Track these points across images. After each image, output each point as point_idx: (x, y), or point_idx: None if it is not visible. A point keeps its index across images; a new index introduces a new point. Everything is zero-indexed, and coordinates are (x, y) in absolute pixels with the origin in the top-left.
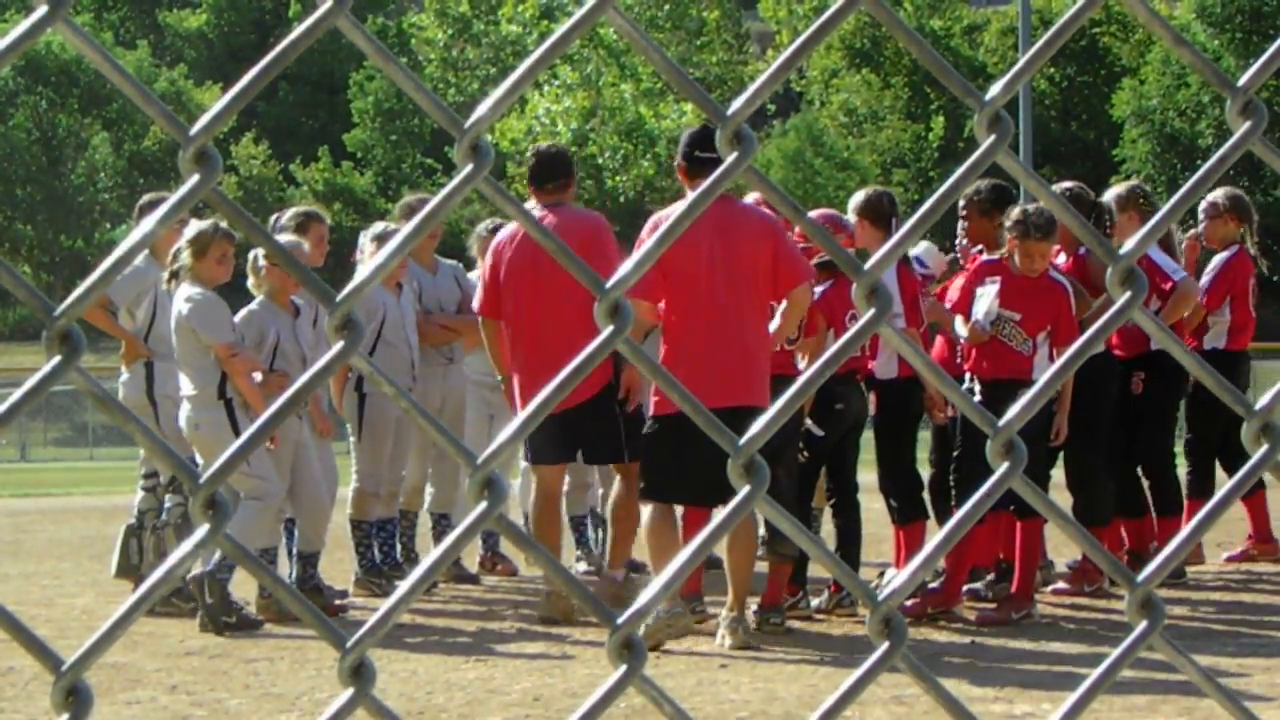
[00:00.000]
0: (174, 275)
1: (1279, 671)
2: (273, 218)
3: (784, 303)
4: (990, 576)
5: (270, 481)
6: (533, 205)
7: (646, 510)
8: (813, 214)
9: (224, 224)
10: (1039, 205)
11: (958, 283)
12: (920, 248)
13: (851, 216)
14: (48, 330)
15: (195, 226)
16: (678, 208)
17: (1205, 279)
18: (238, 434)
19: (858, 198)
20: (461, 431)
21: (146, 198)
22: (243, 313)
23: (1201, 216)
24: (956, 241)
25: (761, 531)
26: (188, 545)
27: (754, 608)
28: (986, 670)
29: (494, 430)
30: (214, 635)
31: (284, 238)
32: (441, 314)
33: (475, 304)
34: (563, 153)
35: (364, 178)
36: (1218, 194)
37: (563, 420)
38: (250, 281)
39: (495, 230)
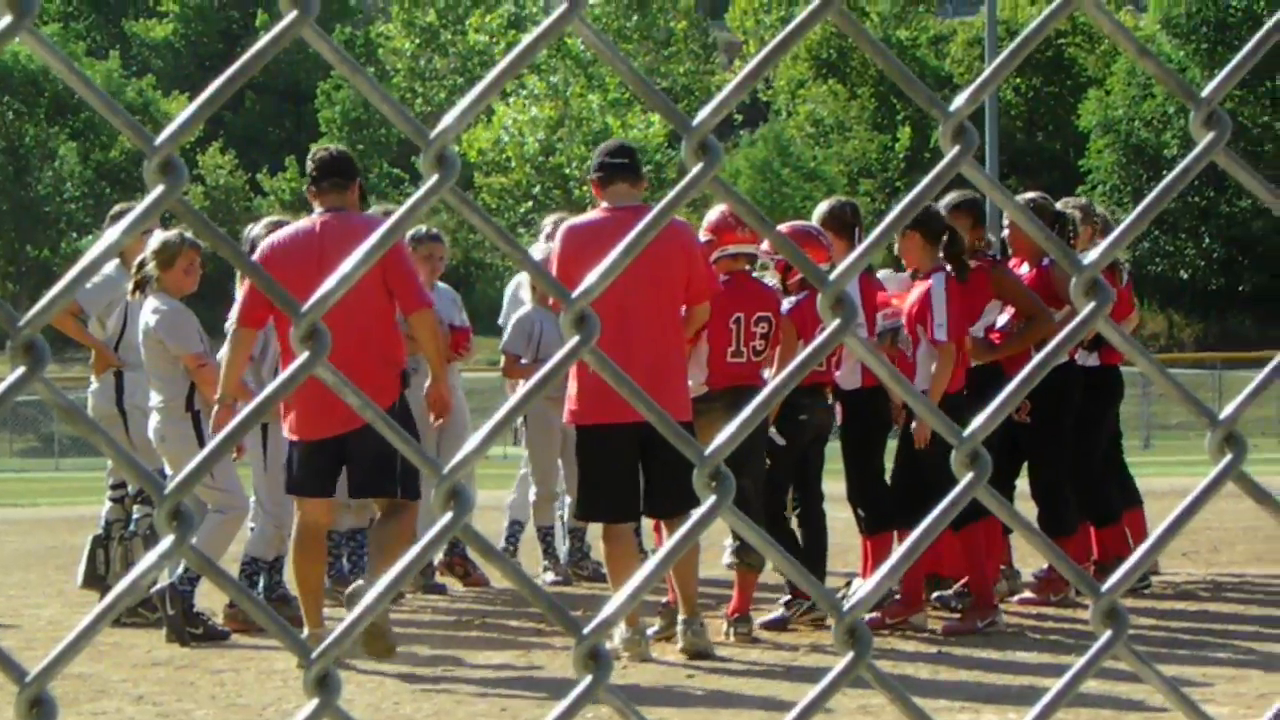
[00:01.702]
0: (139, 286)
1: (1243, 681)
2: (246, 230)
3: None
4: (959, 585)
5: (236, 494)
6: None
7: (602, 530)
8: (786, 226)
9: (190, 234)
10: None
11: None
12: (882, 275)
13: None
14: (12, 340)
15: (160, 236)
16: (589, 218)
17: None
18: (203, 446)
19: (821, 208)
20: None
21: (117, 208)
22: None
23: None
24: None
25: (730, 540)
26: (152, 556)
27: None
28: (952, 680)
29: (442, 441)
30: (179, 646)
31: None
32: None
33: (234, 311)
34: (343, 154)
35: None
36: (1071, 206)
37: (332, 448)
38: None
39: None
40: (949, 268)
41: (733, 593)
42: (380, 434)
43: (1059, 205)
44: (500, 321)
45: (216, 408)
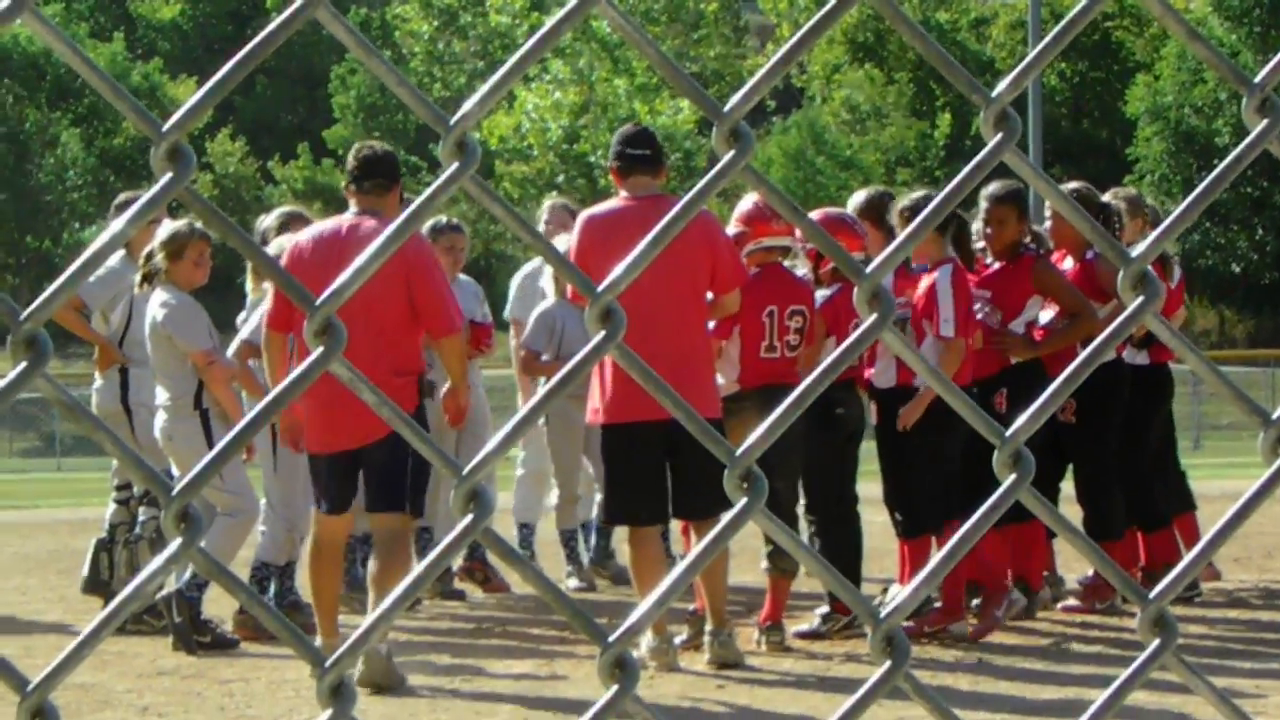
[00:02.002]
0: (147, 278)
1: None
2: (257, 221)
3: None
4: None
5: (246, 497)
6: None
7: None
8: (819, 213)
9: (200, 224)
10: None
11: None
12: None
13: None
14: (13, 335)
15: (169, 227)
16: (608, 207)
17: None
18: (212, 446)
19: (858, 198)
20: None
21: (122, 196)
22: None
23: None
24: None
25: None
26: (159, 560)
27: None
28: (993, 691)
29: (462, 441)
30: (186, 655)
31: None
32: None
33: (265, 316)
34: (389, 155)
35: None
36: (1119, 197)
37: (349, 461)
38: (250, 284)
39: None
40: (957, 259)
41: (765, 599)
42: (391, 448)
43: (1106, 196)
44: (506, 315)
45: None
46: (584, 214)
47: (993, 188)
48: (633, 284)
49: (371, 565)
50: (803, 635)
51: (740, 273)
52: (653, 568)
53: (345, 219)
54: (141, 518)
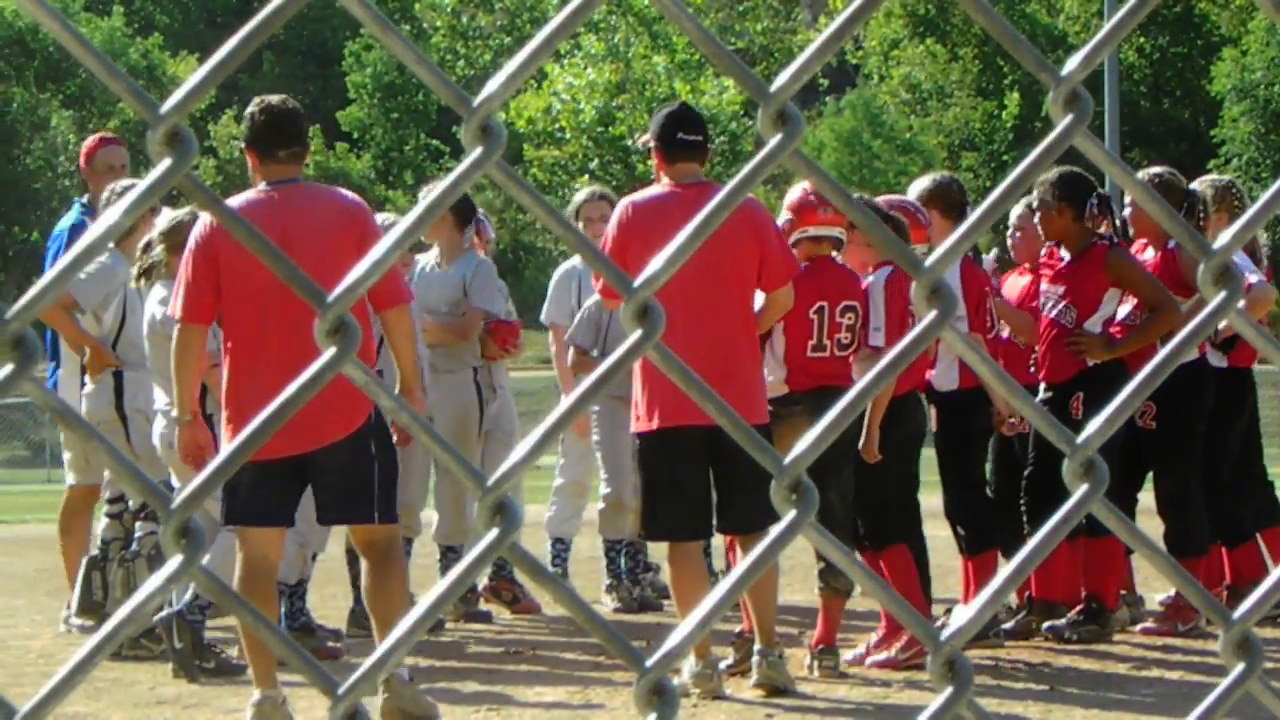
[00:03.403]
0: (145, 272)
1: None
2: None
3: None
4: (1073, 613)
5: None
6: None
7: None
8: (881, 200)
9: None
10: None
11: (1012, 281)
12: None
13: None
14: None
15: (171, 216)
16: (650, 194)
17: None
18: (216, 454)
19: (923, 184)
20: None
21: (119, 184)
22: None
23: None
24: (1009, 234)
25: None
26: (157, 579)
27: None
28: None
29: (487, 449)
30: (188, 683)
31: None
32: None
33: (175, 306)
34: (298, 111)
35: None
36: (1206, 184)
37: (293, 467)
38: None
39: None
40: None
41: (818, 620)
42: (351, 450)
43: (1195, 184)
44: (543, 319)
45: (178, 429)
46: (625, 201)
47: (1058, 171)
48: (673, 279)
49: (368, 585)
50: (857, 661)
51: (792, 266)
52: (695, 586)
53: (271, 189)
54: (138, 533)
